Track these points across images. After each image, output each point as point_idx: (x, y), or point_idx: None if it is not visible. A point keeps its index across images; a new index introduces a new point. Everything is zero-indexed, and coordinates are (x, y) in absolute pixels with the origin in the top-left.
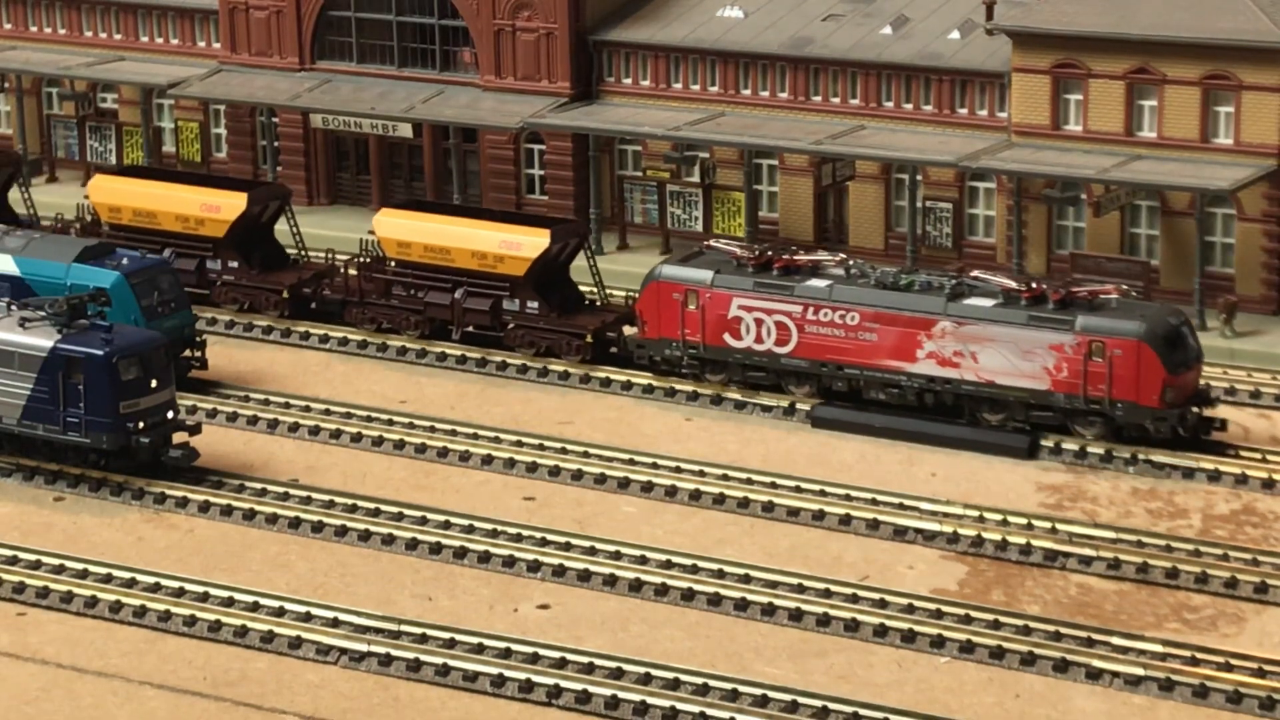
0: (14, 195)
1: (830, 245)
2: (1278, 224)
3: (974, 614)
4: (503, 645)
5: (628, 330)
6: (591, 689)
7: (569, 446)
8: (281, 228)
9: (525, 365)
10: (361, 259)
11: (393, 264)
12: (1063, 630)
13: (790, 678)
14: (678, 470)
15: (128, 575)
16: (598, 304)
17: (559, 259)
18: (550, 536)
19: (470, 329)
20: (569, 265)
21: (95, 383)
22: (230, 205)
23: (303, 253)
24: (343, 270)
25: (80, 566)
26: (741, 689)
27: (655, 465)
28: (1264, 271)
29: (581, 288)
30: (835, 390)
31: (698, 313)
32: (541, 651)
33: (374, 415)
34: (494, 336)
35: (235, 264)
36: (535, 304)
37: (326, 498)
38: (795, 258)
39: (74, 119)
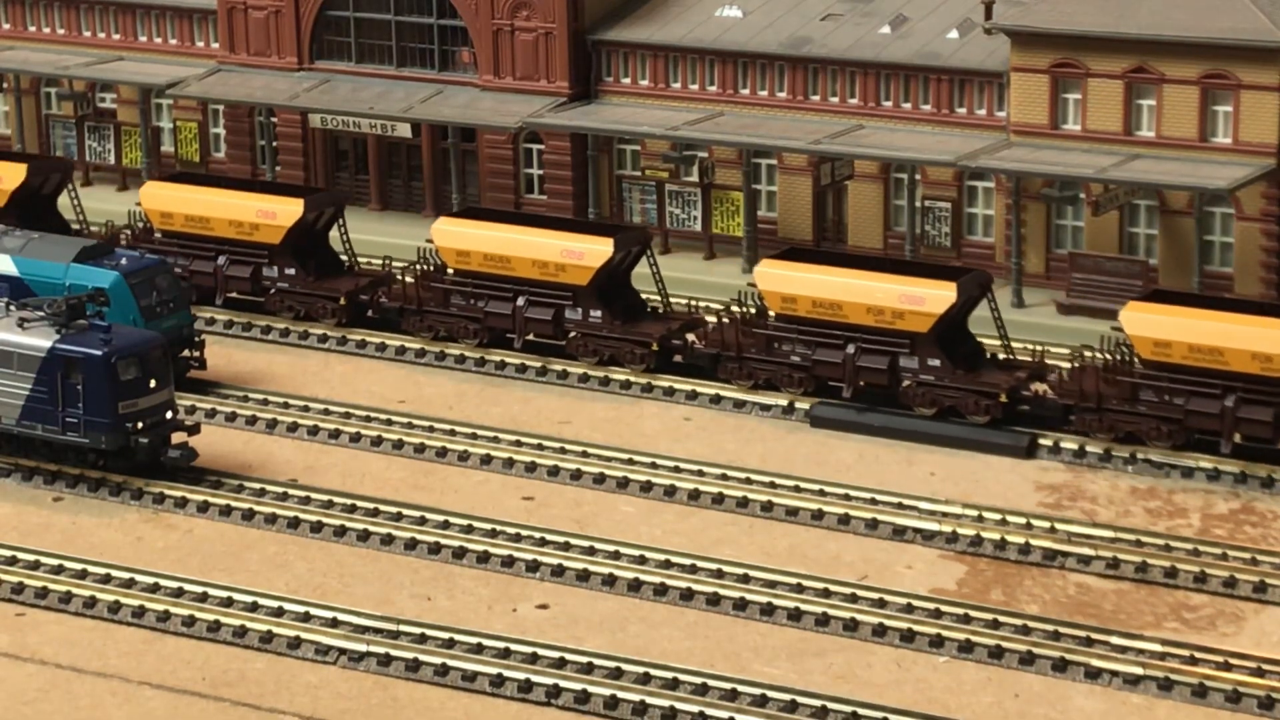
0: None
1: None
2: (1277, 223)
3: (973, 613)
4: (501, 645)
5: None
6: (590, 689)
7: (568, 446)
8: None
9: (524, 364)
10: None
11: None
12: (1061, 630)
13: (789, 677)
14: (676, 470)
15: (126, 575)
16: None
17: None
18: (549, 536)
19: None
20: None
21: (94, 383)
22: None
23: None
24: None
25: (79, 567)
26: (740, 689)
27: (654, 465)
28: (1263, 271)
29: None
30: None
31: None
32: (540, 651)
33: (373, 415)
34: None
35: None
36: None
37: (325, 498)
38: None
39: (73, 119)
